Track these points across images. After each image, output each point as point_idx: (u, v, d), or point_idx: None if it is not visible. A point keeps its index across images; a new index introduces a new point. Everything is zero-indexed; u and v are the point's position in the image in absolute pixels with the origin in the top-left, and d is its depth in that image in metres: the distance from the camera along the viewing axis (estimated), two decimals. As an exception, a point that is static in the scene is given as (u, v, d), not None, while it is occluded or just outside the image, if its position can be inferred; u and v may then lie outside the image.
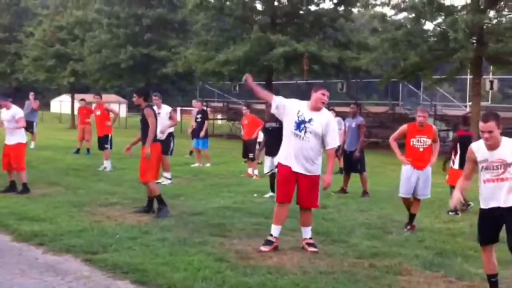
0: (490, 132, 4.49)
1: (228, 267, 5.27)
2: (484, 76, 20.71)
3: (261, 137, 12.38)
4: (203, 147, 14.45)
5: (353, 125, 10.62)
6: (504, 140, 4.58)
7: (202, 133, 14.12)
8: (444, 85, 26.30)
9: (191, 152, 15.98)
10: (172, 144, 11.29)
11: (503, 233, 4.63)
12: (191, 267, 5.20)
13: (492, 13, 18.47)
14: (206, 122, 14.52)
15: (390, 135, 8.02)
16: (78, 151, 16.15)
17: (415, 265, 5.60)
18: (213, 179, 11.85)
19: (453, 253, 6.16)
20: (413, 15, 19.27)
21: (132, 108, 47.94)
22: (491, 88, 21.89)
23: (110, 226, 6.87)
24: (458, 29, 16.34)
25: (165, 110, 11.04)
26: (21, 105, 17.86)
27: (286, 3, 26.24)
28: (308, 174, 6.04)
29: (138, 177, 8.19)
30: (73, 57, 33.31)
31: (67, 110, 40.13)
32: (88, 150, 16.00)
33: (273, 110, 6.28)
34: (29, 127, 14.55)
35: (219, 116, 37.61)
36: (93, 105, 14.78)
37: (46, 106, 51.53)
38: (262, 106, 25.36)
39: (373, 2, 20.92)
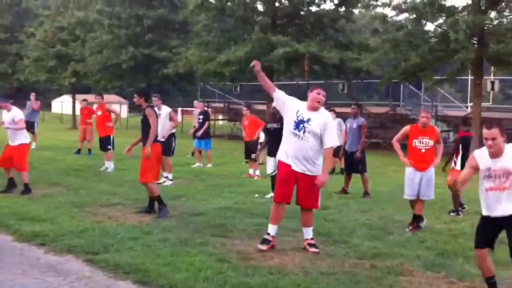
0: (493, 139, 4.44)
1: (229, 267, 5.27)
2: (485, 77, 20.72)
3: (262, 137, 12.37)
4: (205, 148, 14.46)
5: (354, 125, 10.62)
6: (508, 148, 4.53)
7: (199, 133, 14.14)
8: (445, 86, 26.33)
9: (193, 153, 15.98)
10: (173, 144, 11.32)
11: (503, 234, 4.63)
12: (193, 267, 5.20)
13: (493, 14, 18.47)
14: (207, 122, 14.54)
15: (391, 136, 8.03)
16: (79, 151, 16.17)
17: (417, 266, 5.60)
18: (214, 180, 11.85)
19: (455, 253, 6.16)
20: (414, 16, 19.30)
21: (133, 108, 48.06)
22: (492, 89, 21.88)
23: (111, 226, 6.88)
24: (459, 29, 16.36)
25: (165, 111, 11.03)
26: (23, 106, 17.93)
27: (287, 4, 26.24)
28: (309, 174, 6.04)
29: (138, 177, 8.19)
30: (74, 58, 33.36)
31: (68, 111, 40.17)
32: (89, 150, 16.01)
33: (274, 103, 6.35)
34: (30, 127, 14.57)
35: (220, 117, 37.62)
36: (95, 106, 14.79)
37: (47, 106, 51.59)
38: (263, 107, 25.41)
39: (374, 3, 20.96)
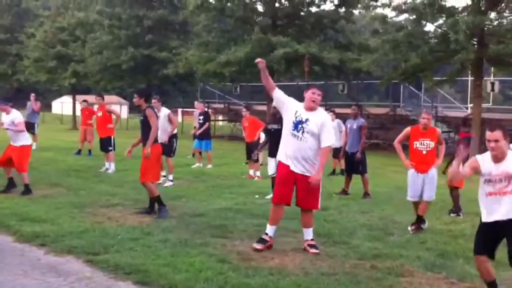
0: (496, 141, 4.41)
1: (230, 268, 5.27)
2: (485, 78, 20.71)
3: (262, 138, 12.36)
4: (206, 149, 14.46)
5: (354, 126, 10.62)
6: (510, 153, 4.50)
7: (198, 132, 14.14)
8: (445, 87, 26.31)
9: (193, 154, 15.99)
10: (175, 145, 11.33)
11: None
12: (193, 268, 5.21)
13: (493, 15, 18.45)
14: (207, 123, 14.55)
15: (391, 137, 8.05)
16: (79, 152, 16.18)
17: (417, 267, 5.61)
18: (215, 181, 11.85)
19: (455, 254, 6.17)
20: (414, 16, 19.28)
21: (133, 109, 47.97)
22: (492, 89, 21.87)
23: (111, 227, 6.88)
24: (459, 30, 16.35)
25: (164, 112, 10.99)
26: (23, 106, 17.95)
27: (287, 5, 26.23)
28: (308, 175, 6.04)
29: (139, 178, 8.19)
30: (74, 58, 33.34)
31: (69, 111, 40.14)
32: (89, 151, 16.02)
33: (273, 103, 6.42)
34: (30, 128, 14.59)
35: (220, 118, 37.61)
36: (95, 107, 14.79)
37: (47, 107, 51.54)
38: (263, 108, 25.42)
39: (374, 4, 20.94)
